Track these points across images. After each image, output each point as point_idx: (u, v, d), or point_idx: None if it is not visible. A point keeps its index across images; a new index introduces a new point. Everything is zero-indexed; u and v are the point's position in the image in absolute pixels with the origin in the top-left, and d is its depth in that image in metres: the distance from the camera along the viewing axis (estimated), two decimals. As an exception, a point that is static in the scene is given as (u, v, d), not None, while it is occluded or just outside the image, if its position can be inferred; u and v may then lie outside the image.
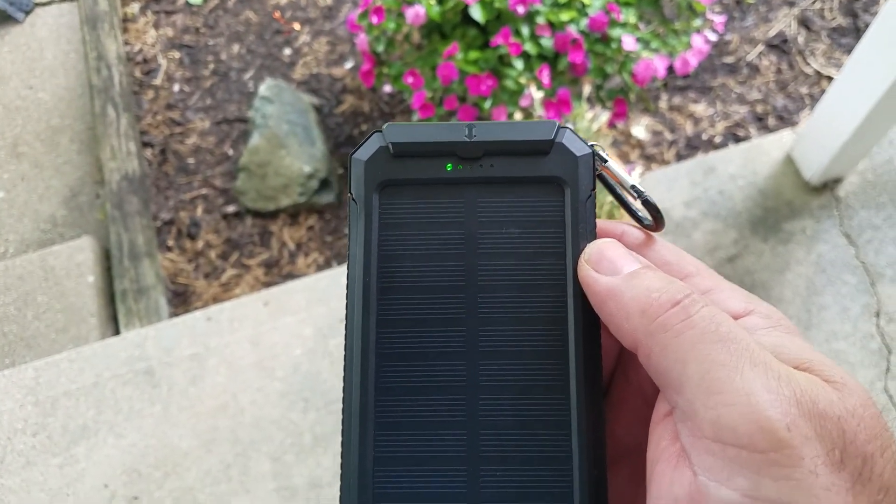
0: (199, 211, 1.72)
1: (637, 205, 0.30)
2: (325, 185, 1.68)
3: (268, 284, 1.63)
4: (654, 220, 0.29)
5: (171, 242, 1.70)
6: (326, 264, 1.64)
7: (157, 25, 1.94)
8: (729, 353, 0.22)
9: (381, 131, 0.29)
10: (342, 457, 0.27)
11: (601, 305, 0.26)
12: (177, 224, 1.72)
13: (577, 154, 0.29)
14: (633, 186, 0.29)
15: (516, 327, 0.28)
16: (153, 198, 1.75)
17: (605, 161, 0.29)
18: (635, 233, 0.30)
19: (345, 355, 0.28)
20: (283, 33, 1.90)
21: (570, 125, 0.30)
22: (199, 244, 1.69)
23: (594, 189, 0.29)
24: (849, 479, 0.21)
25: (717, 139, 1.68)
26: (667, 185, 1.37)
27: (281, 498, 1.31)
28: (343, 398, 0.27)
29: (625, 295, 0.25)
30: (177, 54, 1.90)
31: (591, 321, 0.27)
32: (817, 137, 1.33)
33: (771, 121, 1.69)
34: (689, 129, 1.70)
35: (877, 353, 1.28)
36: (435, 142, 0.29)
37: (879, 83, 1.13)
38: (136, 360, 1.43)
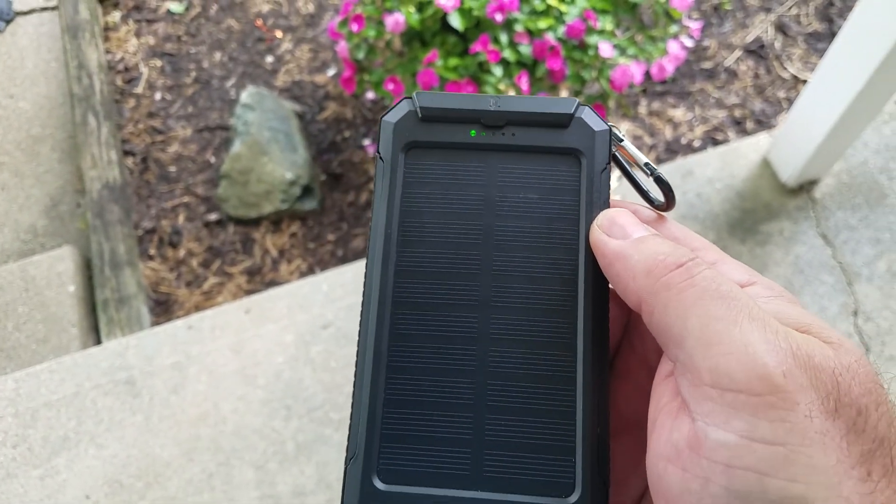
0: (181, 219, 1.72)
1: (648, 185, 0.31)
2: (307, 191, 1.68)
3: (250, 292, 1.62)
4: (666, 198, 0.30)
5: (152, 251, 1.69)
6: (310, 271, 1.64)
7: (138, 34, 1.94)
8: (728, 308, 0.23)
9: (410, 97, 0.31)
10: (353, 397, 0.28)
11: (609, 267, 0.27)
12: (158, 232, 1.71)
13: (596, 129, 0.30)
14: (646, 164, 0.30)
15: (529, 285, 0.29)
16: (134, 206, 1.74)
17: (621, 140, 0.31)
18: (647, 212, 0.31)
19: (362, 301, 0.29)
20: (265, 41, 1.90)
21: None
22: (181, 252, 1.68)
23: (609, 163, 0.30)
24: (843, 427, 0.22)
25: (696, 143, 1.70)
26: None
27: (264, 506, 1.30)
28: (358, 342, 0.28)
29: (632, 257, 0.26)
30: (158, 62, 1.90)
31: (600, 283, 0.28)
32: (793, 140, 1.35)
33: (749, 125, 1.71)
34: (668, 133, 1.72)
35: (854, 352, 1.29)
36: (462, 108, 0.30)
37: (851, 85, 1.15)
38: (117, 370, 1.42)
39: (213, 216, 1.71)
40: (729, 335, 0.23)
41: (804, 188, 1.42)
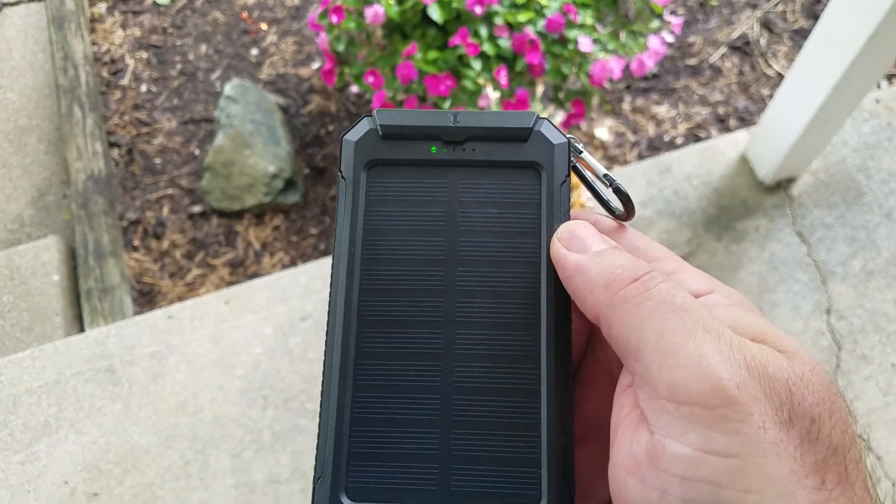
0: (165, 211, 1.73)
1: (608, 195, 0.31)
2: (290, 185, 1.69)
3: (233, 284, 1.63)
4: (625, 208, 0.31)
5: (136, 242, 1.71)
6: (292, 264, 1.65)
7: (124, 25, 1.95)
8: (683, 321, 0.24)
9: (370, 115, 0.31)
10: (320, 416, 0.28)
11: (569, 280, 0.28)
12: (143, 224, 1.72)
13: (554, 142, 0.31)
14: (605, 175, 0.31)
15: (492, 300, 0.29)
16: (119, 198, 1.75)
17: (580, 152, 0.31)
18: (608, 222, 0.31)
19: (328, 320, 0.29)
20: (250, 33, 1.91)
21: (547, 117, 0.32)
22: (165, 244, 1.70)
23: (569, 175, 0.30)
24: (797, 437, 0.22)
25: (679, 140, 1.70)
26: (624, 184, 1.39)
27: (240, 493, 1.31)
28: (324, 360, 0.28)
29: (591, 270, 0.27)
30: (144, 54, 1.91)
31: (562, 296, 0.29)
32: (770, 137, 1.35)
33: (732, 122, 1.71)
34: (651, 130, 1.72)
35: (827, 349, 1.30)
36: (421, 125, 0.31)
37: (825, 83, 1.16)
38: (98, 358, 1.44)
39: (196, 208, 1.72)
40: (684, 347, 0.23)
41: (781, 186, 1.42)
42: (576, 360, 0.32)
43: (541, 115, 0.31)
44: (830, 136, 1.31)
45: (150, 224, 1.72)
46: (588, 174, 0.32)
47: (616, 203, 0.31)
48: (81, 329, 1.61)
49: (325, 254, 1.65)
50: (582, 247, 0.28)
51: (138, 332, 1.45)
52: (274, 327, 1.43)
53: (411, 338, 0.29)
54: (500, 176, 0.30)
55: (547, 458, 0.27)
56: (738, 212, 1.40)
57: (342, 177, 0.30)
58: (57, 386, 1.42)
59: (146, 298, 1.64)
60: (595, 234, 0.28)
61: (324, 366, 0.29)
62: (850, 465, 0.23)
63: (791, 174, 1.41)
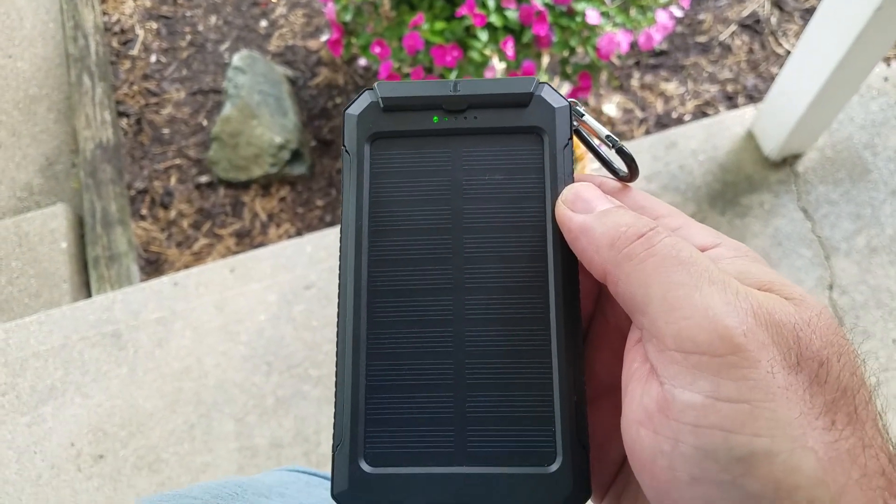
0: (173, 180, 1.74)
1: (612, 156, 0.31)
2: (297, 156, 1.69)
3: (239, 254, 1.65)
4: (629, 169, 0.31)
5: (144, 211, 1.72)
6: (298, 235, 1.66)
7: (134, -4, 1.95)
8: (689, 274, 0.24)
9: (372, 89, 0.31)
10: (336, 385, 0.29)
11: (575, 241, 0.28)
12: (150, 193, 1.74)
13: (555, 106, 0.31)
14: (607, 136, 0.31)
15: (500, 265, 0.29)
16: (128, 167, 1.77)
17: (582, 115, 0.31)
18: (612, 183, 0.31)
19: (338, 292, 0.30)
20: (260, 5, 1.91)
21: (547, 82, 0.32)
22: (172, 213, 1.71)
23: (571, 138, 0.30)
24: (805, 380, 0.22)
25: (687, 118, 1.70)
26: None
27: (243, 457, 1.33)
28: (337, 331, 0.29)
29: (596, 230, 0.27)
30: (154, 25, 1.92)
31: (568, 258, 0.29)
32: (776, 113, 1.34)
33: (741, 100, 1.71)
34: (659, 107, 1.72)
35: (828, 325, 1.30)
36: (422, 96, 0.31)
37: (830, 58, 1.15)
38: (104, 324, 1.45)
39: (204, 178, 1.73)
40: (690, 300, 0.23)
41: (787, 162, 1.41)
42: (585, 321, 0.32)
43: (541, 80, 0.31)
44: (836, 112, 1.31)
45: (158, 193, 1.73)
46: (591, 137, 0.32)
47: (620, 164, 0.31)
48: (88, 296, 1.63)
49: (330, 226, 1.66)
50: (586, 207, 0.28)
51: (144, 299, 1.47)
52: (278, 295, 1.44)
53: (422, 305, 0.29)
54: (502, 142, 0.30)
55: (560, 417, 0.28)
56: (742, 187, 1.40)
57: (346, 150, 0.31)
58: (63, 350, 1.44)
59: (153, 267, 1.66)
60: (599, 194, 0.29)
61: (337, 337, 0.29)
62: (860, 406, 0.23)
63: (797, 150, 1.41)
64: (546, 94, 0.31)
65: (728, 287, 0.24)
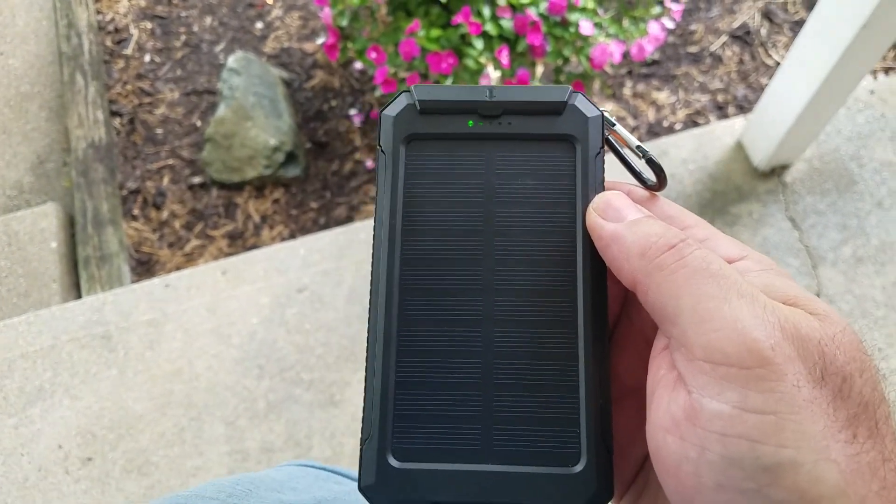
0: (166, 181, 1.74)
1: (640, 166, 0.32)
2: (291, 158, 1.70)
3: (231, 256, 1.65)
4: (658, 178, 0.31)
5: (136, 211, 1.72)
6: (291, 237, 1.66)
7: (129, -4, 1.95)
8: (718, 286, 0.25)
9: (409, 91, 0.32)
10: (366, 381, 0.29)
11: (605, 249, 0.28)
12: (143, 193, 1.73)
13: (588, 115, 0.31)
14: (638, 146, 0.31)
15: (530, 268, 0.30)
16: (120, 167, 1.76)
17: (613, 125, 0.32)
18: (640, 191, 0.32)
19: (370, 289, 0.30)
20: (255, 7, 1.91)
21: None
22: (165, 214, 1.71)
23: (603, 147, 0.31)
24: (829, 394, 0.23)
25: (678, 126, 1.72)
26: (619, 167, 1.40)
27: (233, 461, 1.33)
28: (368, 328, 0.29)
29: (627, 239, 0.27)
30: (149, 25, 1.91)
31: (597, 264, 0.30)
32: (765, 124, 1.37)
33: (731, 109, 1.73)
34: (651, 115, 1.74)
35: (815, 334, 1.32)
36: (458, 100, 0.31)
37: (819, 71, 1.17)
38: (94, 325, 1.45)
39: (197, 179, 1.73)
40: (720, 312, 0.24)
41: (775, 172, 1.44)
42: (611, 324, 0.32)
43: (574, 90, 0.32)
44: (824, 124, 1.33)
45: (150, 194, 1.72)
46: (620, 146, 0.32)
47: (648, 174, 0.32)
48: (78, 296, 1.62)
49: (324, 228, 1.66)
50: (617, 216, 0.28)
51: (135, 300, 1.46)
52: (271, 298, 1.44)
53: (452, 305, 0.30)
54: (535, 148, 0.31)
55: (585, 419, 0.28)
56: (731, 197, 1.42)
57: (381, 151, 0.31)
58: (52, 351, 1.43)
59: (144, 268, 1.65)
60: (630, 203, 0.29)
61: (368, 332, 0.29)
62: (881, 421, 0.23)
63: (785, 161, 1.43)
64: (580, 103, 0.31)
65: (756, 300, 0.24)
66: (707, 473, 0.23)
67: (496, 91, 0.31)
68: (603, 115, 0.31)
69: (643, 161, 0.31)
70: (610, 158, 0.32)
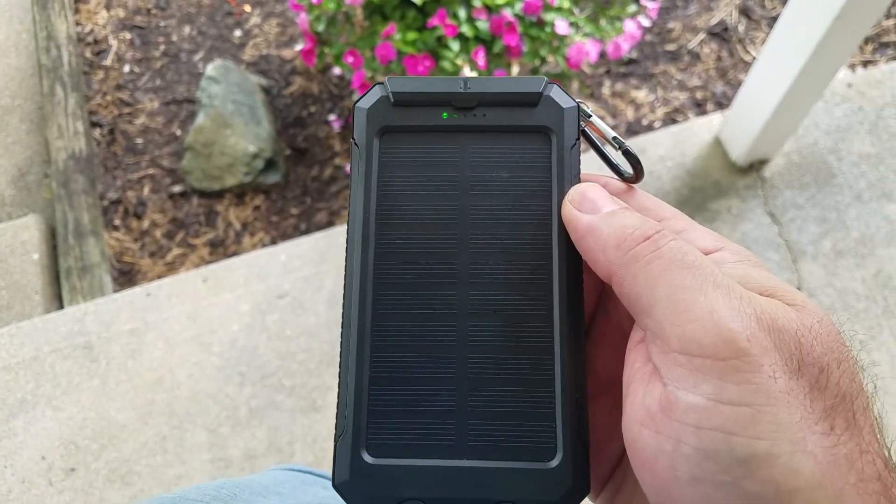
0: (146, 190, 1.74)
1: (617, 158, 0.32)
2: (270, 165, 1.69)
3: (212, 263, 1.64)
4: (634, 170, 0.31)
5: (117, 221, 1.71)
6: (272, 244, 1.66)
7: (108, 6, 1.95)
8: (694, 277, 0.24)
9: (382, 83, 0.31)
10: (340, 376, 0.29)
11: (581, 240, 0.28)
12: (124, 203, 1.73)
13: (564, 106, 0.31)
14: (614, 138, 0.31)
15: (505, 261, 0.29)
16: (100, 177, 1.76)
17: (589, 116, 0.31)
18: (617, 184, 0.32)
19: (344, 283, 0.30)
20: (234, 15, 1.91)
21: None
22: (145, 223, 1.70)
23: (578, 138, 0.31)
24: (806, 385, 0.23)
25: (657, 124, 1.72)
26: (598, 165, 1.40)
27: (216, 468, 1.33)
28: (342, 323, 0.29)
29: (602, 231, 0.27)
30: (128, 35, 1.91)
31: (573, 257, 0.29)
32: (742, 119, 1.37)
33: (709, 106, 1.73)
34: (630, 114, 1.74)
35: (796, 328, 1.32)
36: (433, 92, 0.31)
37: (793, 65, 1.17)
38: (76, 335, 1.44)
39: (177, 188, 1.73)
40: (695, 303, 0.24)
41: (754, 167, 1.44)
42: (587, 318, 0.32)
43: (549, 81, 0.31)
44: (801, 117, 1.33)
45: (131, 203, 1.72)
46: (597, 138, 0.32)
47: (625, 166, 0.32)
48: (61, 307, 1.62)
49: (305, 234, 1.66)
50: (593, 208, 0.28)
51: (116, 310, 1.46)
52: (251, 305, 1.44)
53: (426, 299, 0.29)
54: (510, 140, 0.31)
55: (561, 413, 0.28)
56: (710, 192, 1.42)
57: (355, 143, 0.31)
58: (34, 362, 1.43)
59: (126, 278, 1.65)
60: (606, 195, 0.29)
61: (341, 328, 0.29)
62: (858, 412, 0.23)
63: (763, 156, 1.43)
64: (555, 94, 0.31)
65: (732, 291, 0.24)
66: (682, 466, 0.23)
67: (471, 83, 0.31)
68: (579, 105, 0.31)
69: (620, 153, 0.31)
70: (587, 152, 0.32)
